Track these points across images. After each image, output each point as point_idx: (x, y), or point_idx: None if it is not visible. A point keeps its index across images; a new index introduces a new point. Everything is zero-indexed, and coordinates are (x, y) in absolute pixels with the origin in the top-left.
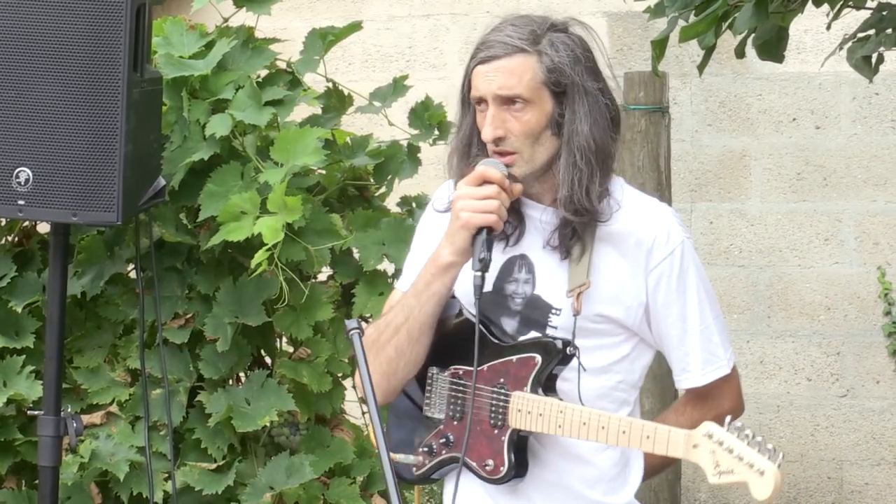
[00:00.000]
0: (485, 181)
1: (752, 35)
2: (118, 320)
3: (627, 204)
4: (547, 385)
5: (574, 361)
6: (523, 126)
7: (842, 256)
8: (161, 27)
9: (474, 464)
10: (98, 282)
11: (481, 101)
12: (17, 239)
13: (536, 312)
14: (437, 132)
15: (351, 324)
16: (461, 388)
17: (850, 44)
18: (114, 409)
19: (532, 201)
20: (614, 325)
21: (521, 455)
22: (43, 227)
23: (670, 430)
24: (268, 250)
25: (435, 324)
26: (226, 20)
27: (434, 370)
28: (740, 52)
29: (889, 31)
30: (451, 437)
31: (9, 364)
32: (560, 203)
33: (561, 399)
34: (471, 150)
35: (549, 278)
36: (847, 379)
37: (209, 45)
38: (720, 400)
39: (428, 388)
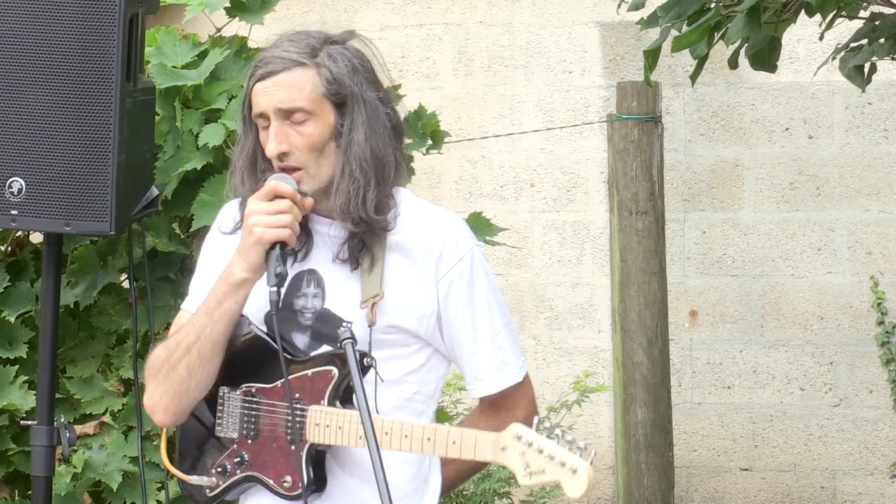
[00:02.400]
0: (276, 196)
1: (745, 45)
2: (111, 330)
3: (414, 213)
4: (345, 398)
5: (371, 373)
6: (307, 139)
7: (835, 266)
8: (154, 37)
9: (271, 481)
10: (91, 292)
11: (263, 116)
12: (9, 249)
13: (327, 326)
14: (430, 141)
15: (344, 333)
16: (254, 405)
17: (842, 53)
18: (107, 419)
19: (320, 216)
20: (407, 335)
21: (320, 470)
22: (36, 237)
23: (477, 433)
24: None
25: (226, 342)
26: (219, 30)
27: (224, 390)
28: (733, 62)
29: (881, 40)
30: (246, 456)
31: (2, 374)
32: (337, 213)
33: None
34: (256, 167)
35: (340, 291)
36: (840, 388)
37: (202, 55)
38: (513, 409)
39: (220, 408)
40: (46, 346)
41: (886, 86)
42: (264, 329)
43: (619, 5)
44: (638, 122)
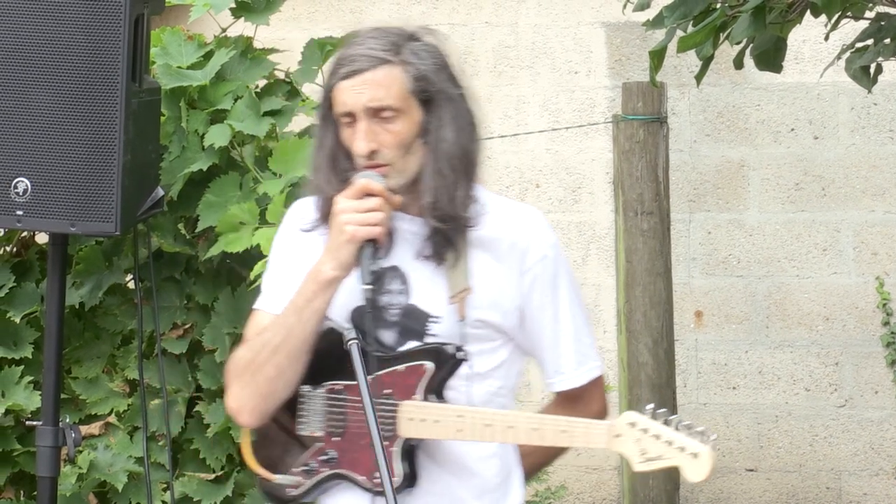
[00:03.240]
0: (367, 194)
1: (751, 45)
2: (117, 331)
3: (496, 209)
4: (439, 392)
5: (464, 367)
6: (395, 137)
7: (840, 266)
8: (159, 37)
9: (362, 477)
10: (96, 292)
11: (349, 115)
12: (15, 249)
13: (415, 322)
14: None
15: (349, 334)
16: (340, 403)
17: (848, 54)
18: (112, 419)
19: (400, 212)
20: (493, 330)
21: (412, 465)
22: (41, 238)
23: (588, 422)
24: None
25: (313, 341)
26: (224, 30)
27: (306, 388)
28: (738, 63)
29: (887, 41)
30: (334, 454)
31: (7, 374)
32: (426, 210)
33: (445, 400)
34: (337, 164)
35: (425, 287)
36: (845, 389)
37: (208, 56)
38: (589, 402)
39: (301, 406)
40: (52, 347)
41: (892, 86)
42: (347, 327)
43: (625, 6)
44: (643, 122)
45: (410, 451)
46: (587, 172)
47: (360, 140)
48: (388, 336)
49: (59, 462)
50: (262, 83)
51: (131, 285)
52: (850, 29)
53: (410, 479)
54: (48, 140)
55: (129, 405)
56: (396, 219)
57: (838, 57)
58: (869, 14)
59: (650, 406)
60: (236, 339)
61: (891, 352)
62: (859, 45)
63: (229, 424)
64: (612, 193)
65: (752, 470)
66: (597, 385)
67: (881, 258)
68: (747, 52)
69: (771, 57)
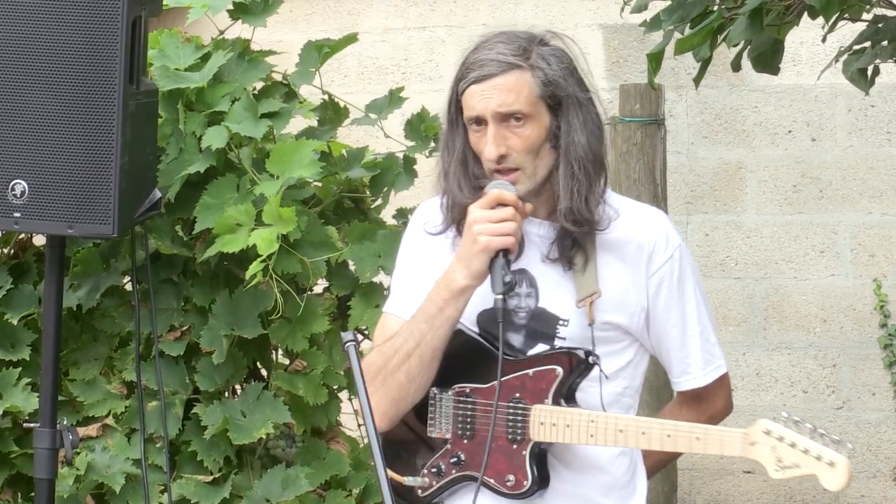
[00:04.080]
0: (500, 204)
1: (748, 47)
2: (114, 333)
3: (621, 210)
4: (568, 396)
5: (595, 370)
6: (525, 142)
7: (837, 268)
8: (157, 39)
9: (492, 480)
10: (94, 294)
11: (479, 120)
12: (12, 251)
13: (543, 325)
14: (433, 144)
15: (347, 336)
16: (469, 406)
17: (845, 56)
18: (110, 421)
19: (528, 216)
20: (620, 331)
21: (543, 468)
22: (39, 240)
23: (722, 430)
24: (262, 262)
25: (445, 347)
26: (221, 32)
27: (435, 391)
28: (736, 65)
29: (885, 43)
30: (463, 456)
31: (5, 376)
32: (561, 214)
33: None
34: (467, 169)
35: (553, 290)
36: (843, 391)
37: (205, 58)
38: (714, 400)
39: (431, 409)
40: (49, 349)
41: (889, 88)
42: (475, 329)
43: (622, 8)
44: (641, 124)
45: (541, 455)
46: None
47: (490, 145)
48: (515, 339)
49: (56, 464)
50: (259, 85)
51: (129, 287)
52: (848, 31)
53: (541, 482)
54: (45, 142)
55: (126, 407)
56: (525, 222)
57: (836, 59)
58: (866, 16)
59: (785, 414)
60: (233, 341)
61: (888, 354)
62: (857, 47)
63: (226, 426)
64: None
65: (749, 472)
66: (722, 383)
67: (878, 260)
68: (745, 54)
69: (768, 59)
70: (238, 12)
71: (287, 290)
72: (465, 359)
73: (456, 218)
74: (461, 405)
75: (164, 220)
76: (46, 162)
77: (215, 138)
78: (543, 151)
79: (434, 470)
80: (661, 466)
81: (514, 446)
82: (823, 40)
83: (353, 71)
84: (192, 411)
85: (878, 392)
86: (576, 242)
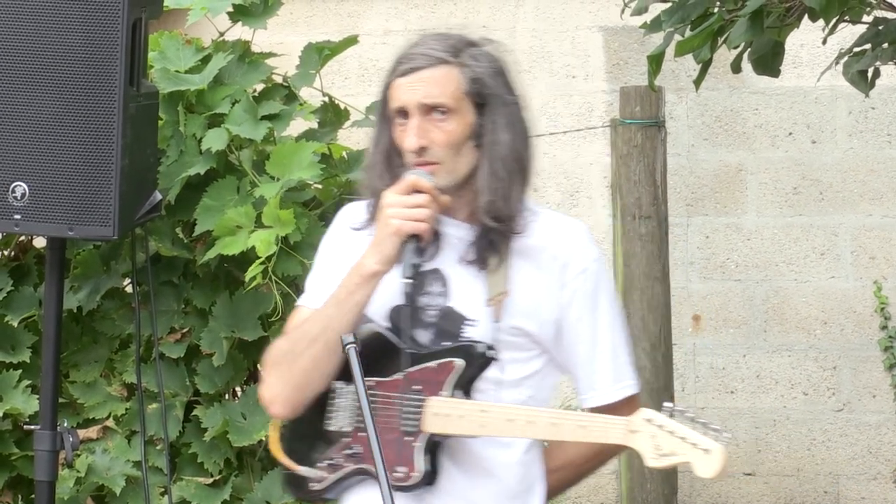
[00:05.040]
0: (415, 190)
1: (749, 49)
2: (114, 335)
3: (541, 219)
4: (466, 389)
5: (494, 367)
6: (447, 136)
7: (838, 271)
8: (157, 42)
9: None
10: (94, 296)
11: (403, 111)
12: (13, 253)
13: (450, 324)
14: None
15: (347, 338)
16: (371, 399)
17: (846, 58)
18: (110, 423)
19: (446, 217)
20: (528, 339)
21: (434, 462)
22: (39, 242)
23: (606, 417)
24: (261, 263)
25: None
26: (222, 34)
27: (339, 384)
28: (736, 67)
29: (885, 45)
30: (359, 449)
31: (5, 378)
32: (481, 210)
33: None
34: (391, 162)
35: (465, 291)
36: (843, 393)
37: (205, 60)
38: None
39: (331, 402)
40: (49, 351)
41: (890, 90)
42: (384, 325)
43: (623, 10)
44: (641, 126)
45: (433, 448)
46: (585, 176)
47: (410, 136)
48: (424, 336)
49: (57, 466)
50: (259, 87)
51: (129, 289)
52: (848, 33)
53: (430, 476)
54: (46, 144)
55: (126, 409)
56: (442, 223)
57: (836, 61)
58: (866, 18)
59: (669, 404)
60: (233, 343)
61: (888, 356)
62: (857, 49)
63: (227, 428)
64: (610, 198)
65: (750, 474)
66: (631, 404)
67: (879, 262)
68: (745, 56)
69: (769, 61)
70: (238, 14)
71: (287, 292)
72: (372, 353)
73: (376, 211)
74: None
75: (165, 222)
76: (47, 164)
77: (215, 140)
78: (465, 149)
79: (330, 462)
80: (570, 483)
81: (407, 438)
82: (824, 42)
83: (353, 73)
84: (193, 413)
85: (879, 394)
86: (493, 244)
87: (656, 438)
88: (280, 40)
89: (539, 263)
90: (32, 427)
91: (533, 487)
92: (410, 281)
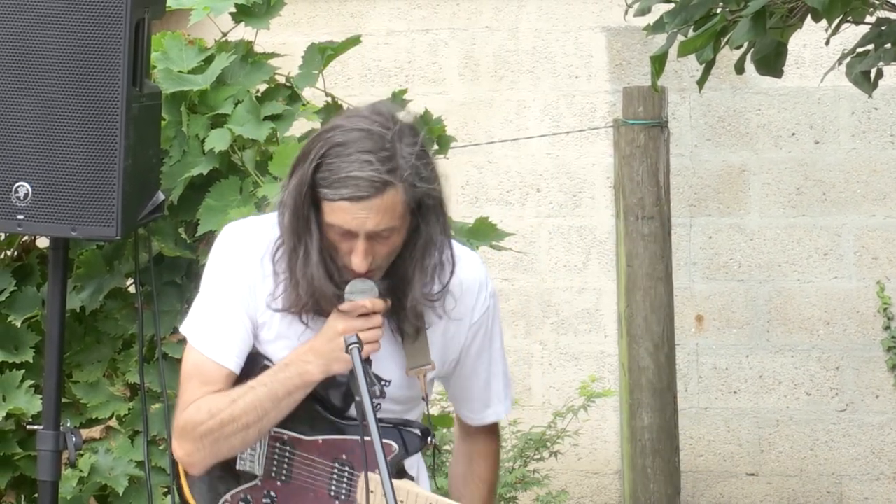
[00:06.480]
0: (371, 313)
1: (752, 50)
2: (117, 335)
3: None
4: (399, 469)
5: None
6: (390, 248)
7: (841, 271)
8: (160, 42)
9: None
10: (97, 296)
11: (349, 233)
12: (16, 253)
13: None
14: (436, 146)
15: (350, 338)
16: (286, 453)
17: (849, 59)
18: (113, 423)
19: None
20: (436, 382)
21: None
22: (42, 242)
23: None
24: None
25: None
26: (224, 35)
27: None
28: (739, 68)
29: (888, 46)
30: (275, 496)
31: (8, 378)
32: (409, 302)
33: (412, 478)
34: (328, 262)
35: (381, 354)
36: (846, 393)
37: (208, 60)
38: (498, 432)
39: None
40: (52, 351)
41: (893, 91)
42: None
43: (626, 11)
44: (644, 127)
45: None
46: (588, 177)
47: (360, 259)
48: (335, 396)
49: (60, 466)
50: (262, 87)
51: (132, 289)
52: (851, 34)
53: None
54: (49, 144)
55: (129, 409)
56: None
57: (839, 62)
58: (869, 19)
59: None
60: None
61: (891, 356)
62: (860, 49)
63: None
64: (613, 198)
65: (753, 474)
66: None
67: (882, 263)
68: (748, 56)
69: (772, 62)
70: (241, 15)
71: None
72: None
73: (311, 305)
74: (276, 450)
75: (168, 222)
76: (50, 164)
77: (218, 141)
78: (400, 247)
79: (242, 502)
80: None
81: (337, 502)
82: (827, 43)
83: (356, 73)
84: None
85: (882, 394)
86: (414, 318)
87: None
88: (283, 41)
89: (447, 311)
90: (35, 427)
91: None
92: (360, 401)
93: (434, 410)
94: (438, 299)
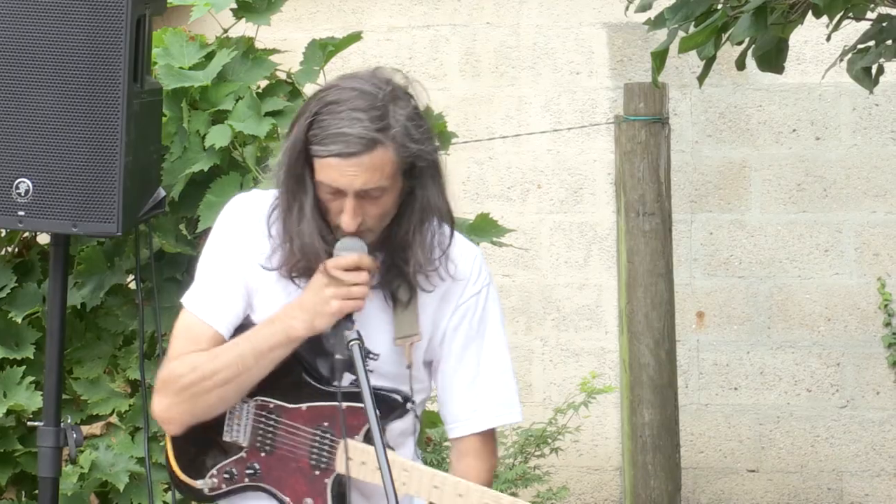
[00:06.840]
0: (358, 268)
1: (752, 46)
2: (118, 331)
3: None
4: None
5: (410, 416)
6: (381, 209)
7: (842, 267)
8: (161, 38)
9: (288, 499)
10: (98, 293)
11: (338, 191)
12: (17, 250)
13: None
14: (437, 142)
15: (351, 334)
16: (271, 422)
17: (850, 55)
18: (114, 419)
19: None
20: (429, 368)
21: (342, 500)
22: (43, 238)
23: (514, 500)
24: None
25: None
26: (225, 31)
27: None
28: (740, 64)
29: (889, 42)
30: (259, 467)
31: (9, 375)
32: (412, 267)
33: (392, 448)
34: (320, 220)
35: (370, 323)
36: (847, 390)
37: (209, 56)
38: (495, 450)
39: (229, 414)
40: (53, 347)
41: (894, 87)
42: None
43: (627, 7)
44: (645, 123)
45: (342, 487)
46: (589, 173)
47: (349, 218)
48: (323, 366)
49: (60, 462)
50: (263, 84)
51: (133, 286)
52: (852, 30)
53: None
54: (50, 141)
55: (130, 405)
56: None
57: (840, 58)
58: (870, 15)
59: None
60: None
61: (892, 352)
62: (861, 46)
63: None
64: (614, 194)
65: (753, 470)
66: (494, 437)
67: (882, 259)
68: (749, 52)
69: (773, 58)
70: (242, 11)
71: None
72: (273, 373)
73: (303, 266)
74: (262, 419)
75: (168, 218)
76: (51, 160)
77: (219, 137)
78: (393, 210)
79: (226, 475)
80: None
81: (317, 472)
82: (828, 39)
83: (357, 69)
84: None
85: (882, 391)
86: (408, 284)
87: None
88: (284, 37)
89: (443, 292)
90: (36, 423)
91: None
92: (344, 358)
93: (434, 409)
94: (441, 264)
